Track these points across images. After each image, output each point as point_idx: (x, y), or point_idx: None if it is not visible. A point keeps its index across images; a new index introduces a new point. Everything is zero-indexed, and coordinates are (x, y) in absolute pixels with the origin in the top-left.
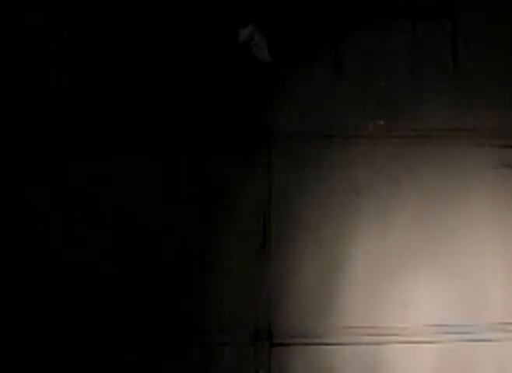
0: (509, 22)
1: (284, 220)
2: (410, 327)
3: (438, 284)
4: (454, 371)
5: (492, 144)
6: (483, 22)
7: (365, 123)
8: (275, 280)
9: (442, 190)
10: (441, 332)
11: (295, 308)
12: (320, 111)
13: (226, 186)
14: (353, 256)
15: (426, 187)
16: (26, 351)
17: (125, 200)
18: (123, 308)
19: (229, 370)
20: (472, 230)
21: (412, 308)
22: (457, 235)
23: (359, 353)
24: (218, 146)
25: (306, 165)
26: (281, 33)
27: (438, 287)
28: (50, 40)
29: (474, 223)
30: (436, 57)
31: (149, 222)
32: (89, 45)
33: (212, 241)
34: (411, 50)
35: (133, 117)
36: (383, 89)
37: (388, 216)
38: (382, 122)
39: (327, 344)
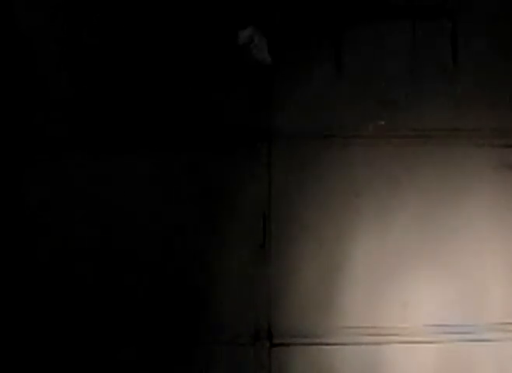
0: (509, 22)
1: (284, 220)
2: (410, 327)
3: (438, 284)
4: (454, 371)
5: (492, 144)
6: (483, 22)
7: (365, 123)
8: (275, 280)
9: (442, 190)
10: (441, 332)
11: (295, 308)
12: (320, 111)
13: (226, 186)
14: (353, 256)
15: (426, 187)
16: (26, 351)
17: (125, 200)
18: (122, 308)
19: (229, 370)
20: (472, 230)
21: (412, 308)
22: (457, 235)
23: (359, 353)
24: (218, 146)
25: (306, 165)
26: (281, 33)
27: (438, 287)
28: (50, 40)
29: (474, 223)
30: (436, 57)
31: (148, 222)
32: (89, 45)
33: (212, 241)
34: (411, 50)
35: (133, 117)
36: (383, 89)
37: (388, 216)
38: (382, 122)
39: (327, 344)
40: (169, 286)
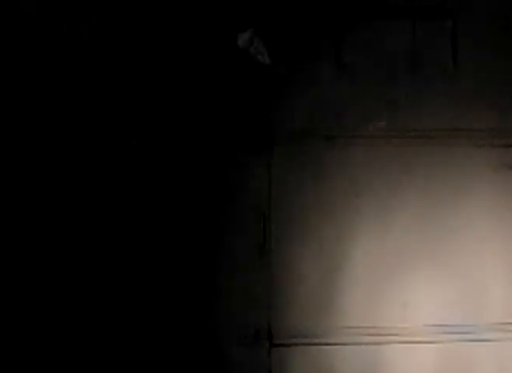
0: (509, 22)
1: (284, 220)
2: (410, 327)
3: (438, 284)
4: (454, 371)
5: (492, 144)
6: (483, 22)
7: (365, 123)
8: (275, 280)
9: (442, 190)
10: (441, 332)
11: (295, 308)
12: (321, 111)
13: (226, 186)
14: (353, 256)
15: (425, 187)
16: (26, 351)
17: (125, 200)
18: (122, 308)
19: (230, 370)
20: (472, 230)
21: (412, 308)
22: (457, 235)
23: (359, 353)
24: (218, 146)
25: (306, 165)
26: (281, 32)
27: (438, 287)
28: (50, 39)
29: (474, 223)
30: (436, 57)
31: (148, 222)
32: (89, 45)
33: (212, 241)
34: (411, 50)
35: (133, 117)
36: (383, 89)
37: (388, 216)
38: (383, 123)
39: (327, 344)
40: (169, 286)
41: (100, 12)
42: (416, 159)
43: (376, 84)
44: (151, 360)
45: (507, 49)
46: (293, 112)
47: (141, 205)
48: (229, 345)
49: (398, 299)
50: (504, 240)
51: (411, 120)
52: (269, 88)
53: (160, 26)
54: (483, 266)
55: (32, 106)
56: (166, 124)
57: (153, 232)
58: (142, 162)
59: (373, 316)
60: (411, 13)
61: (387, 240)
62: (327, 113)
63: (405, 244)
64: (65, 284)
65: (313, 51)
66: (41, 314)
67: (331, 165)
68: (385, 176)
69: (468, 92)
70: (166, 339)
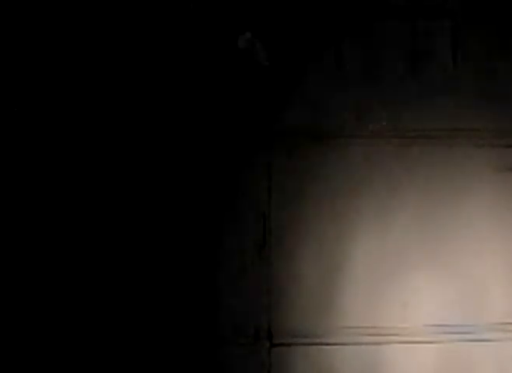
0: (509, 22)
1: (284, 220)
2: (410, 327)
3: (438, 284)
4: (454, 371)
5: (492, 145)
6: (483, 22)
7: (365, 123)
8: (275, 280)
9: (442, 190)
10: (441, 332)
11: (295, 308)
12: (321, 111)
13: (226, 187)
14: (353, 256)
15: (426, 187)
16: (25, 351)
17: (125, 200)
18: (122, 308)
19: (230, 370)
20: (472, 230)
21: (412, 308)
22: (457, 235)
23: (359, 353)
24: (218, 146)
25: (306, 165)
26: (281, 33)
27: (438, 287)
28: (49, 39)
29: (474, 223)
30: (436, 57)
31: (148, 222)
32: (90, 45)
33: (212, 241)
34: (411, 50)
35: (133, 117)
36: (383, 89)
37: (388, 216)
38: (384, 123)
39: (327, 344)
40: (169, 286)
41: (101, 12)
42: (416, 159)
43: (376, 84)
44: (150, 359)
45: (507, 49)
46: (293, 112)
47: (141, 205)
48: (229, 345)
49: (398, 299)
50: (504, 240)
51: (411, 120)
52: (269, 88)
53: (160, 23)
54: (483, 266)
55: (31, 106)
56: (166, 125)
57: (153, 232)
58: (141, 162)
59: (373, 316)
60: (411, 13)
61: (387, 240)
62: (327, 113)
63: (405, 244)
64: (64, 283)
65: (313, 51)
66: (39, 312)
67: (331, 165)
68: (385, 176)
69: (468, 92)
70: (166, 339)
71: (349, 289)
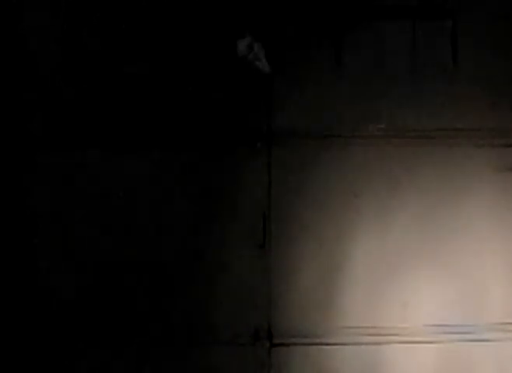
0: (509, 22)
1: (284, 220)
2: (410, 327)
3: (438, 284)
4: (454, 371)
5: (492, 144)
6: (483, 22)
7: (365, 123)
8: (275, 280)
9: (442, 190)
10: (441, 332)
11: (295, 308)
12: (321, 111)
13: (226, 186)
14: (353, 256)
15: (426, 187)
16: (25, 351)
17: (125, 200)
18: (122, 309)
19: (229, 370)
20: (472, 230)
21: (412, 308)
22: (457, 235)
23: (359, 353)
24: (218, 146)
25: (306, 165)
26: (281, 33)
27: (438, 287)
28: (50, 40)
29: (474, 223)
30: (436, 57)
31: (148, 222)
32: (89, 46)
33: (212, 241)
34: (411, 50)
35: (132, 117)
36: (383, 89)
37: (388, 216)
38: (383, 125)
39: (327, 344)
40: (169, 286)
41: (100, 12)
42: (416, 159)
43: (377, 84)
44: (149, 359)
45: (507, 49)
46: (293, 112)
47: (141, 205)
48: (229, 345)
49: (398, 299)
50: (504, 240)
51: (411, 120)
52: (269, 87)
53: (159, 23)
54: (483, 266)
55: (32, 106)
56: (166, 125)
57: (153, 232)
58: (142, 162)
59: (373, 316)
60: (411, 13)
61: (387, 240)
62: (327, 113)
63: (405, 244)
64: (65, 281)
65: (313, 51)
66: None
67: (331, 165)
68: (385, 176)
69: (468, 92)
70: (166, 338)
71: (349, 289)
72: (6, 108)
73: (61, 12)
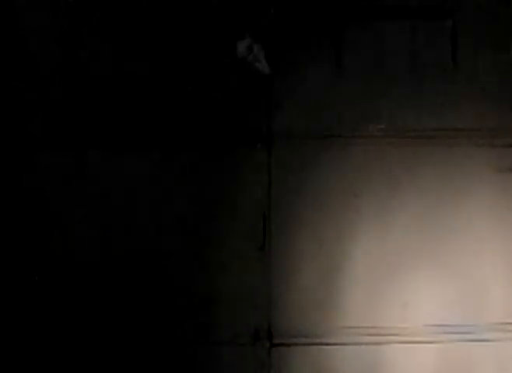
0: (509, 22)
1: (284, 220)
2: (410, 327)
3: (438, 284)
4: (454, 371)
5: (492, 144)
6: (483, 22)
7: (365, 123)
8: (275, 280)
9: (442, 190)
10: (441, 332)
11: (295, 308)
12: (320, 111)
13: (226, 186)
14: (353, 256)
15: (426, 187)
16: (24, 351)
17: (125, 200)
18: (122, 308)
19: (229, 370)
20: (472, 230)
21: (412, 308)
22: (457, 235)
23: (359, 353)
24: (218, 146)
25: (306, 165)
26: (281, 33)
27: (438, 287)
28: (50, 39)
29: (474, 223)
30: (436, 57)
31: (148, 222)
32: (89, 46)
33: (212, 241)
34: (411, 50)
35: (132, 117)
36: (383, 89)
37: (388, 216)
38: (383, 125)
39: (328, 344)
40: (168, 286)
41: (100, 12)
42: (416, 159)
43: (377, 84)
44: (149, 359)
45: (507, 49)
46: (293, 112)
47: (141, 205)
48: (229, 345)
49: (398, 299)
50: (504, 240)
51: (411, 120)
52: (269, 87)
53: (159, 23)
54: (483, 266)
55: (32, 106)
56: (166, 125)
57: (153, 233)
58: (142, 162)
59: (373, 316)
60: (411, 13)
61: (387, 240)
62: (327, 113)
63: (405, 244)
64: (63, 281)
65: (313, 51)
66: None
67: (331, 165)
68: (385, 176)
69: (468, 92)
70: (165, 338)
71: (349, 289)
72: (6, 108)
73: (61, 12)
